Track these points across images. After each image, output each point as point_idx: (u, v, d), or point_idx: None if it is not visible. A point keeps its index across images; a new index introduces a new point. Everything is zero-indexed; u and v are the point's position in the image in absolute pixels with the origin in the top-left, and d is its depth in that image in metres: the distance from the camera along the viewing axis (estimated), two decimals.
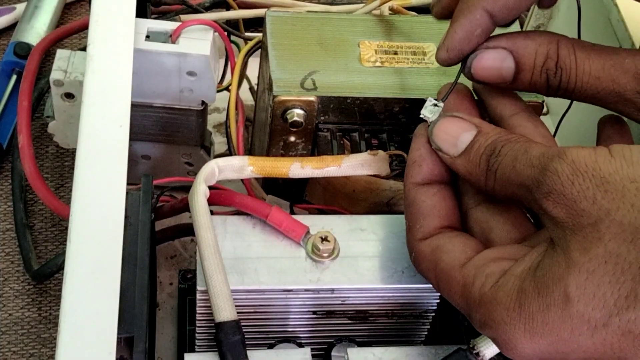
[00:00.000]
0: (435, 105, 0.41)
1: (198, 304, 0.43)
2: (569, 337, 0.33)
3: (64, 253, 0.40)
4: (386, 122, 0.49)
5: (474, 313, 0.36)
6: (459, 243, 0.38)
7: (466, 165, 0.38)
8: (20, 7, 0.74)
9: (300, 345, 0.46)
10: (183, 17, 0.64)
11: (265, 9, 0.54)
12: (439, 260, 0.38)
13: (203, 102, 0.55)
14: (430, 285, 0.42)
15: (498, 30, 0.41)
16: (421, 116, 0.41)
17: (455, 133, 0.39)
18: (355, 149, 0.48)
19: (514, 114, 0.42)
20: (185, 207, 0.47)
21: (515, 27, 0.51)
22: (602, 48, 0.39)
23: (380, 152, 0.46)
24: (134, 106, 0.46)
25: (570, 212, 0.33)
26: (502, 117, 0.42)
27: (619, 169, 0.32)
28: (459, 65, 0.41)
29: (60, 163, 0.66)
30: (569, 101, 0.43)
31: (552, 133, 0.51)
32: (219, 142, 0.64)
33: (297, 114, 0.47)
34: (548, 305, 0.33)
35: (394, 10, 0.57)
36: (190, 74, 0.53)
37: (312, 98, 0.47)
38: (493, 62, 0.40)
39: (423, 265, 0.39)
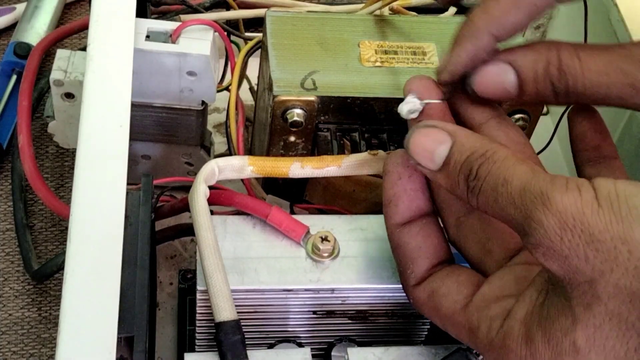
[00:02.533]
0: (418, 102, 0.39)
1: (198, 304, 0.43)
2: None
3: (64, 253, 0.40)
4: (386, 122, 0.49)
5: (487, 355, 0.36)
6: (452, 283, 0.38)
7: (447, 180, 0.36)
8: (20, 7, 0.74)
9: (300, 345, 0.46)
10: (183, 17, 0.64)
11: (265, 9, 0.54)
12: (439, 305, 0.38)
13: (203, 102, 0.55)
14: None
15: None
16: (399, 110, 0.40)
17: (430, 147, 0.36)
18: (355, 149, 0.48)
19: (483, 122, 0.40)
20: (185, 207, 0.47)
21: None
22: (607, 45, 0.38)
23: (380, 152, 0.46)
24: (134, 106, 0.46)
25: (564, 268, 0.31)
26: (472, 126, 0.40)
27: (608, 227, 0.30)
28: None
29: (60, 163, 0.66)
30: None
31: (552, 132, 0.52)
32: (219, 142, 0.64)
33: (297, 114, 0.47)
34: (559, 354, 0.32)
35: (394, 10, 0.57)
36: (190, 73, 0.53)
37: (312, 98, 0.47)
38: (495, 76, 0.39)
39: (425, 310, 0.39)
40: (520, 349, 0.34)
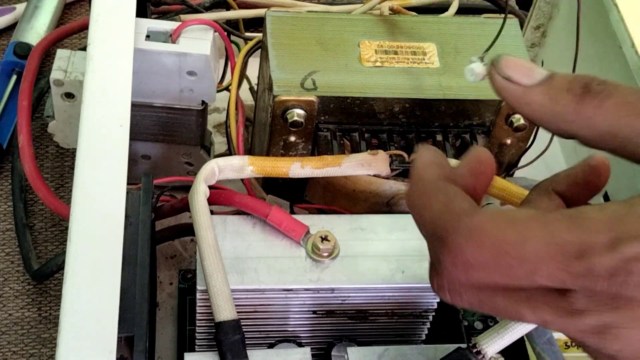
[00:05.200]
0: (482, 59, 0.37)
1: (198, 304, 0.43)
2: None
3: (64, 253, 0.40)
4: (386, 122, 0.49)
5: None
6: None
7: (548, 92, 0.33)
8: (20, 7, 0.74)
9: (300, 345, 0.46)
10: (183, 17, 0.64)
11: (265, 9, 0.54)
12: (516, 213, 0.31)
13: (203, 102, 0.55)
14: (430, 285, 0.42)
15: None
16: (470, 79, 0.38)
17: (528, 66, 0.34)
18: (355, 149, 0.48)
19: None
20: (185, 207, 0.47)
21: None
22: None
23: (380, 152, 0.46)
24: (134, 106, 0.46)
25: None
26: None
27: None
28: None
29: (60, 163, 0.66)
30: None
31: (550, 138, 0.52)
32: (219, 142, 0.64)
33: (297, 114, 0.47)
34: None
35: (394, 10, 0.57)
36: (191, 73, 0.53)
37: (312, 98, 0.47)
38: None
39: (490, 235, 0.30)
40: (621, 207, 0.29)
